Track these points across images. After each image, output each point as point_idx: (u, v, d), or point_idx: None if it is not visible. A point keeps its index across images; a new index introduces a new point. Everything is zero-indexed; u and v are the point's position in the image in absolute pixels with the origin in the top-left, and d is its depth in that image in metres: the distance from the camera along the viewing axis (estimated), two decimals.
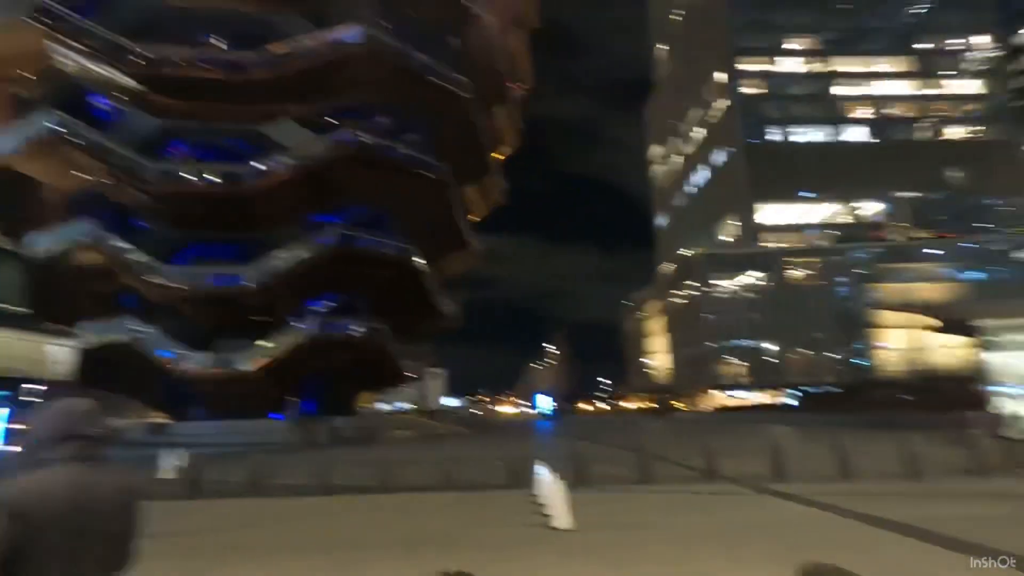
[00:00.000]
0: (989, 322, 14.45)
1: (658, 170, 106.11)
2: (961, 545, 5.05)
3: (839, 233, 67.38)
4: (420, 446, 22.27)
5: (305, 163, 26.78)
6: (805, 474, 9.69)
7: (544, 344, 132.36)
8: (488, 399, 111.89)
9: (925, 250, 61.38)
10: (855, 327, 57.42)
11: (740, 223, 70.67)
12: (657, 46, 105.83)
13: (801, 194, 69.21)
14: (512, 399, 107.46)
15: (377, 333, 27.94)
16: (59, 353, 31.74)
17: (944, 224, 61.91)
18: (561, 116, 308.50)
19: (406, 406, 43.08)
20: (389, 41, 27.45)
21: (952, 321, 19.12)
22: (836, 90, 73.38)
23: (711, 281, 65.21)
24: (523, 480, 8.98)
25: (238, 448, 18.72)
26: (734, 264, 65.35)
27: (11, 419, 23.24)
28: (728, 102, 74.14)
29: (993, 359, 14.12)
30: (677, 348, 73.97)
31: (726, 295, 64.61)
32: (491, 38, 31.66)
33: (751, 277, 64.65)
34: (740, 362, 62.28)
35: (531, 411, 78.99)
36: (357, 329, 27.86)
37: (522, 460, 10.14)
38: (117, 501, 1.52)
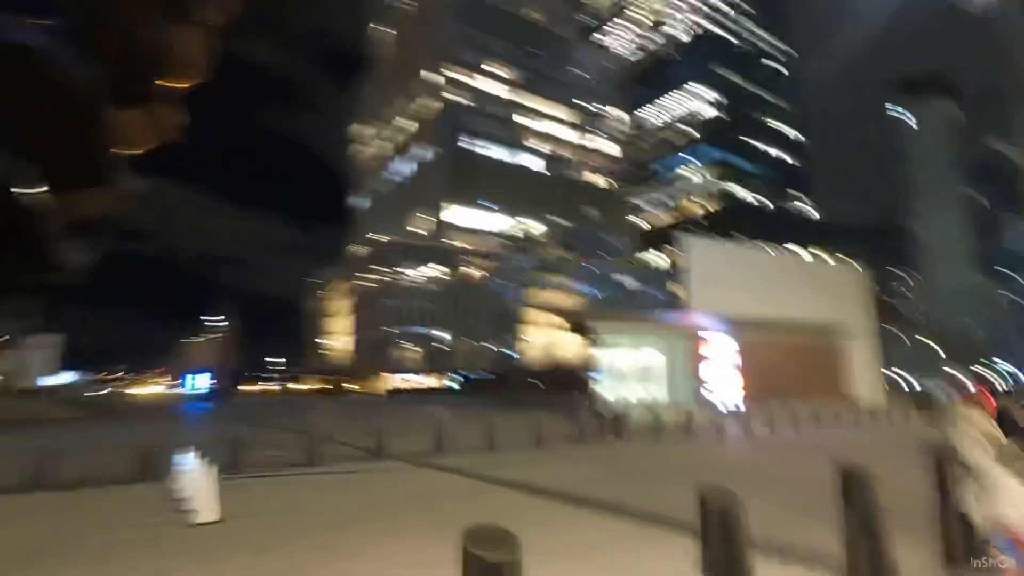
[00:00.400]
0: (597, 326, 18.76)
1: (361, 150, 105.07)
2: (576, 498, 6.27)
3: (508, 242, 78.69)
4: (3, 434, 16.63)
5: None
6: (461, 448, 10.75)
7: (208, 316, 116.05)
8: (128, 376, 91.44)
9: (565, 266, 76.79)
10: (508, 323, 67.85)
11: (431, 218, 75.52)
12: (378, 29, 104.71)
13: (484, 203, 78.45)
14: (161, 377, 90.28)
15: None
16: None
17: (581, 248, 78.30)
18: (270, 66, 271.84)
19: None
20: None
21: (576, 324, 24.17)
22: (521, 120, 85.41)
23: (397, 268, 67.90)
24: (159, 471, 7.51)
25: None
26: (420, 255, 69.64)
27: None
28: (436, 103, 78.62)
29: (597, 354, 18.37)
30: (358, 331, 74.57)
31: (409, 284, 68.19)
32: None
33: (433, 270, 69.93)
34: (415, 348, 66.53)
35: (183, 391, 68.16)
36: None
37: (159, 448, 8.48)
38: None
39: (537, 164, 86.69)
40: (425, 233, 76.20)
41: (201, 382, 61.57)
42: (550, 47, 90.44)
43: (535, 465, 9.13)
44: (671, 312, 20.24)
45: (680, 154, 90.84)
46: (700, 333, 19.14)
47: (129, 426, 19.31)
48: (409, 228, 79.65)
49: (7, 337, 25.77)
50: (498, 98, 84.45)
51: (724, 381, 19.22)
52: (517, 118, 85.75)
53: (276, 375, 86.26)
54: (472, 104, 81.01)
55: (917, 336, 62.65)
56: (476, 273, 72.73)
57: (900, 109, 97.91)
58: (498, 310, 68.91)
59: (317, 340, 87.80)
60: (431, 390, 56.73)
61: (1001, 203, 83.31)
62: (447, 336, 67.70)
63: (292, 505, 6.46)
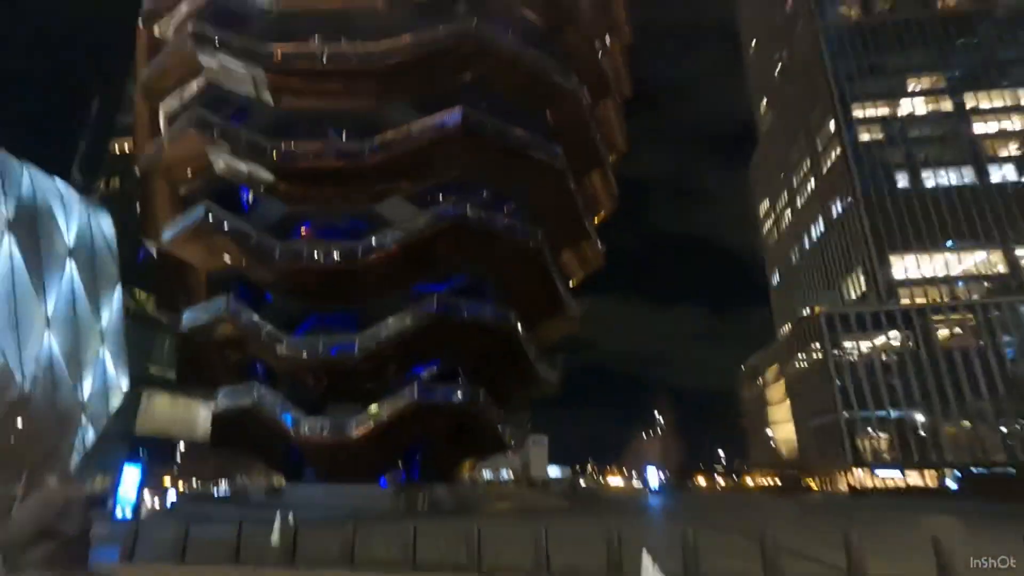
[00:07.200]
0: None
1: (768, 225, 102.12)
2: None
3: (991, 285, 61.21)
4: (517, 520, 21.22)
5: (409, 237, 28.07)
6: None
7: (650, 411, 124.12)
8: (594, 469, 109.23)
9: None
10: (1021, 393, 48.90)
11: (869, 277, 65.41)
12: (756, 97, 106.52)
13: (942, 243, 63.66)
14: (619, 470, 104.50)
15: (476, 399, 28.31)
16: (204, 416, 34.82)
17: None
18: (654, 172, 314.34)
19: (507, 475, 42.84)
20: (485, 120, 28.96)
21: None
22: (975, 128, 68.83)
23: (841, 342, 59.19)
24: (627, 567, 8.57)
25: (340, 514, 18.57)
26: (867, 323, 59.34)
27: (144, 478, 24.99)
28: (840, 150, 71.08)
29: None
30: (803, 417, 67.23)
31: (859, 358, 58.46)
32: (584, 109, 33.11)
33: (888, 337, 58.60)
34: (879, 434, 55.78)
35: (640, 484, 76.70)
36: (457, 395, 28.35)
37: (626, 544, 9.52)
38: None
39: (1007, 173, 66.31)
40: (865, 296, 65.82)
41: (653, 475, 66.95)
42: (980, 28, 72.69)
43: None
44: None
45: None
46: None
47: (600, 517, 22.50)
48: (845, 294, 70.61)
49: (515, 439, 34.50)
50: (929, 115, 70.74)
51: None
52: (966, 127, 69.03)
53: (722, 468, 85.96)
54: (893, 135, 69.88)
55: None
56: (954, 333, 57.59)
57: None
58: (1005, 377, 51.92)
59: (760, 430, 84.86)
60: (913, 489, 46.74)
61: None
62: (922, 418, 54.59)
63: None
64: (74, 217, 40.13)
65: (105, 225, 43.34)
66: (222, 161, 28.61)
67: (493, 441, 30.76)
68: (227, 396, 28.76)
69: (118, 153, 71.56)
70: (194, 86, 31.49)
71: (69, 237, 39.39)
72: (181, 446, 46.63)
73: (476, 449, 32.50)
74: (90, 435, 37.64)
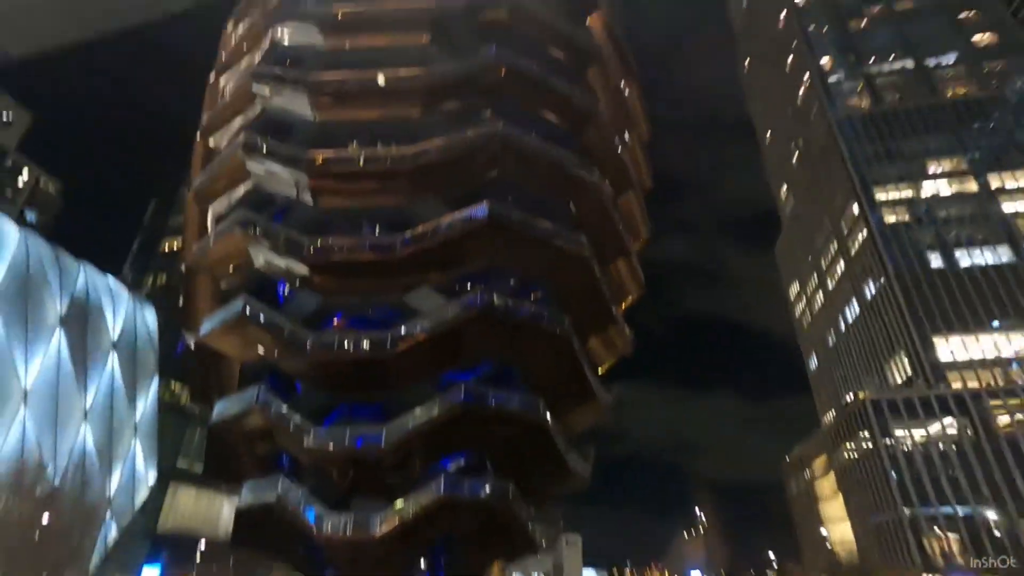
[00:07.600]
0: None
1: (800, 307, 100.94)
2: None
3: None
4: None
5: (437, 326, 28.53)
6: None
7: (691, 506, 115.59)
8: (633, 572, 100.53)
9: None
10: None
11: (913, 360, 62.81)
12: (775, 183, 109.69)
13: (987, 323, 61.55)
14: (661, 572, 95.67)
15: (505, 493, 27.14)
16: (228, 512, 34.24)
17: None
18: (681, 256, 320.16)
19: None
20: (511, 213, 30.12)
21: None
22: (1004, 208, 68.81)
23: (892, 430, 55.68)
24: None
25: None
26: (918, 409, 55.94)
27: None
28: (867, 232, 71.56)
29: None
30: (860, 514, 61.92)
31: (914, 447, 54.69)
32: (606, 201, 34.37)
33: (943, 424, 54.97)
34: (951, 535, 50.54)
35: None
36: (484, 489, 27.22)
37: None
38: None
39: None
40: (910, 380, 62.86)
41: None
42: (995, 112, 75.13)
43: None
44: None
45: None
46: None
47: None
48: (889, 379, 67.82)
49: (547, 538, 32.55)
50: (955, 195, 71.61)
51: None
52: (995, 207, 69.37)
53: (774, 573, 78.25)
54: (919, 217, 70.52)
55: None
56: (1011, 419, 53.98)
57: None
58: None
59: (811, 528, 78.13)
60: None
61: None
62: (994, 515, 50.12)
63: None
64: (121, 311, 42.06)
65: (149, 319, 45.20)
66: (262, 257, 30.31)
67: (523, 540, 29.00)
68: (252, 490, 28.30)
69: (166, 251, 76.25)
70: (241, 189, 34.11)
71: (114, 331, 41.07)
72: (202, 544, 45.24)
73: (504, 549, 30.72)
74: (112, 532, 36.95)
